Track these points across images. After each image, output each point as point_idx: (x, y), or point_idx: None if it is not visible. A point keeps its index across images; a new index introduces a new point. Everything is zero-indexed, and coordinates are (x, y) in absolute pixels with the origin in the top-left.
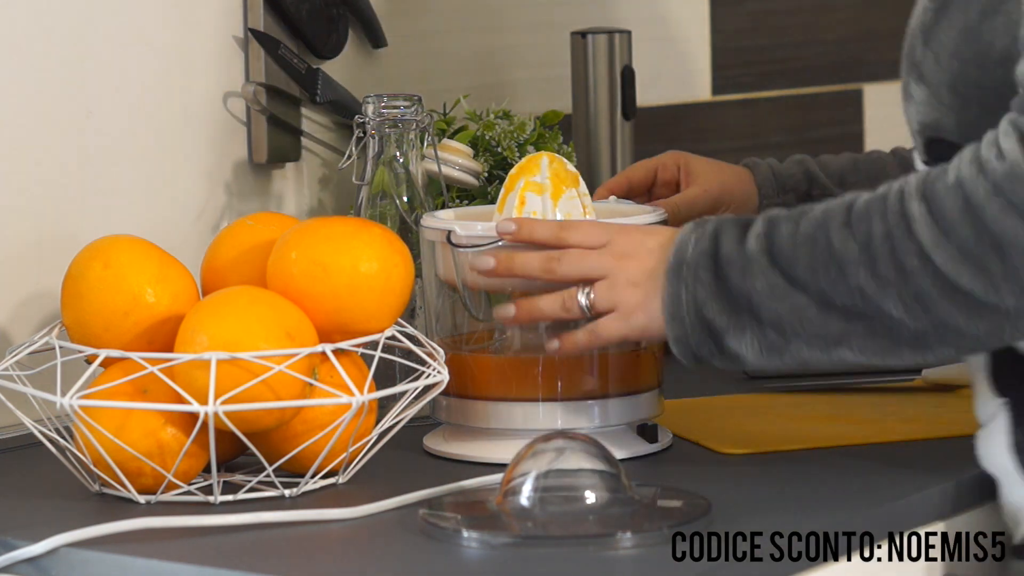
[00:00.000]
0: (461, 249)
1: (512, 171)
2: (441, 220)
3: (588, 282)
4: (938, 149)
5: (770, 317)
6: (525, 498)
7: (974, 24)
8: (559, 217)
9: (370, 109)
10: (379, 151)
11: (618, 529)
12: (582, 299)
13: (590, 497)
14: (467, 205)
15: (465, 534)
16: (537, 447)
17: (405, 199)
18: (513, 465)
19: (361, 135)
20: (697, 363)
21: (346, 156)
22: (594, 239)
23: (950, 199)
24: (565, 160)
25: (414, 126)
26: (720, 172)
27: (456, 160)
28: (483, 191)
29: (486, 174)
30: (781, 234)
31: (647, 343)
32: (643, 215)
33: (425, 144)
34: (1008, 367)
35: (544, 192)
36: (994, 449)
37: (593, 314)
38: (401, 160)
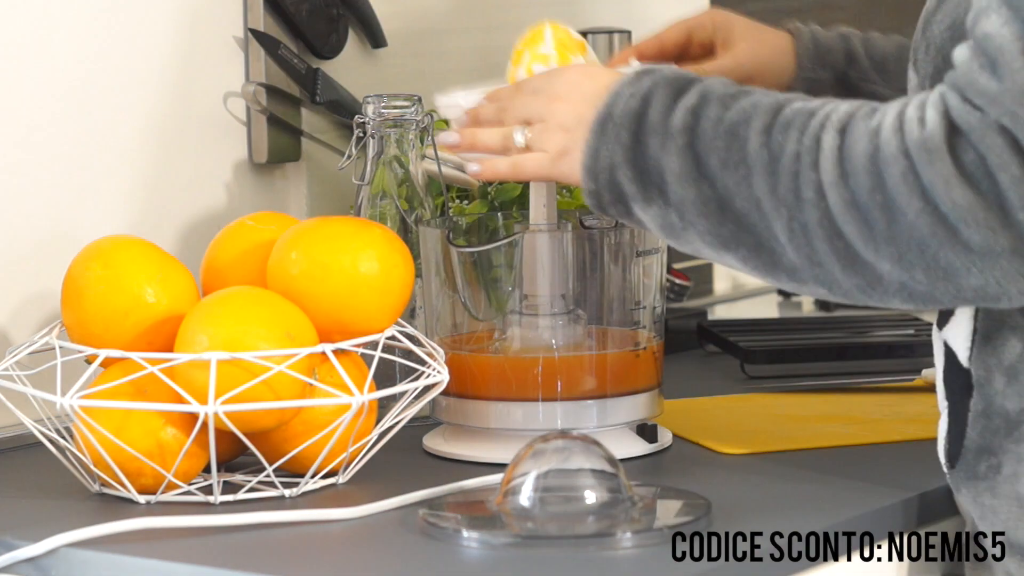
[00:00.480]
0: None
1: (516, 45)
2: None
3: (528, 123)
4: None
5: (675, 199)
6: (525, 498)
7: (961, 21)
8: None
9: (370, 109)
10: (379, 151)
11: (618, 529)
12: (519, 137)
13: (590, 497)
14: (466, 204)
15: (465, 534)
16: (537, 447)
17: (405, 199)
18: (513, 465)
19: (361, 135)
20: (608, 216)
21: (346, 156)
22: (536, 84)
23: (862, 143)
24: (569, 27)
25: (414, 126)
26: (759, 42)
27: (456, 159)
28: (483, 191)
29: None
30: (708, 116)
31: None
32: None
33: (425, 144)
34: (952, 373)
35: (550, 62)
36: (939, 445)
37: (526, 152)
38: (401, 160)
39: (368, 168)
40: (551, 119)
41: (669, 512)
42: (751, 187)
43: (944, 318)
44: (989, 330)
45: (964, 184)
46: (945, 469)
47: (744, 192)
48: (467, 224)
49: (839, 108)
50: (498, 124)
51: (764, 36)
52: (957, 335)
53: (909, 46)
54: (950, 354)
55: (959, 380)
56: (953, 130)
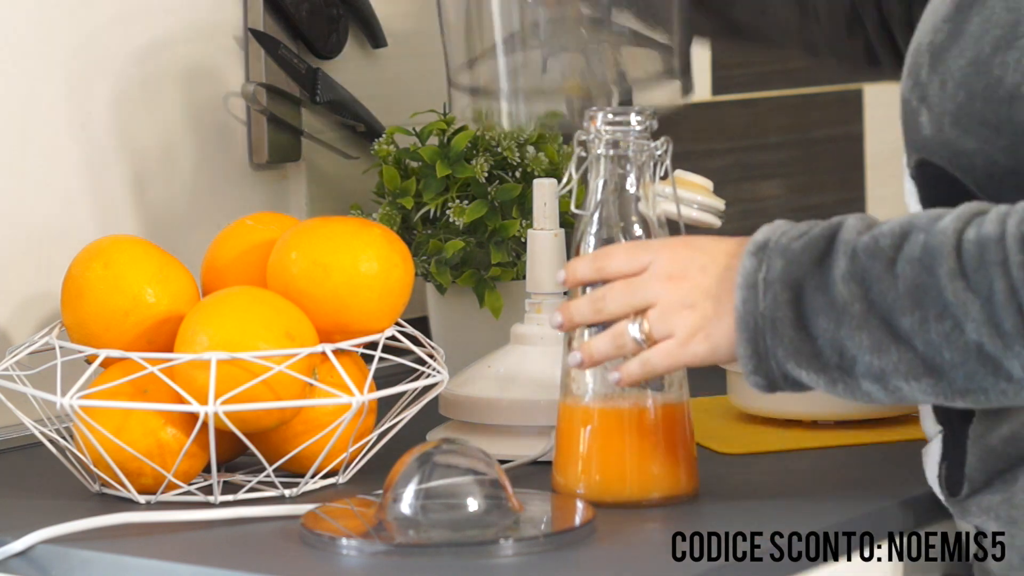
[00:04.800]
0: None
1: None
2: None
3: (641, 312)
4: (927, 171)
5: (868, 371)
6: (407, 506)
7: (986, 56)
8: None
9: (597, 122)
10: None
11: (499, 536)
12: (635, 332)
13: (472, 505)
14: (466, 204)
15: (344, 542)
16: (420, 454)
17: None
18: (395, 473)
19: (583, 155)
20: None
21: (565, 180)
22: (635, 263)
23: None
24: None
25: (644, 152)
26: None
27: (695, 198)
28: (483, 190)
29: (486, 174)
30: (877, 276)
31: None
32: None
33: (657, 177)
34: None
35: None
36: (929, 471)
37: (650, 345)
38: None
39: (595, 198)
40: (671, 299)
41: (552, 519)
42: (964, 336)
43: None
44: None
45: None
46: (943, 498)
47: (956, 343)
48: (464, 225)
49: (1019, 224)
50: (599, 317)
51: None
52: None
53: None
54: None
55: (958, 407)
56: None
